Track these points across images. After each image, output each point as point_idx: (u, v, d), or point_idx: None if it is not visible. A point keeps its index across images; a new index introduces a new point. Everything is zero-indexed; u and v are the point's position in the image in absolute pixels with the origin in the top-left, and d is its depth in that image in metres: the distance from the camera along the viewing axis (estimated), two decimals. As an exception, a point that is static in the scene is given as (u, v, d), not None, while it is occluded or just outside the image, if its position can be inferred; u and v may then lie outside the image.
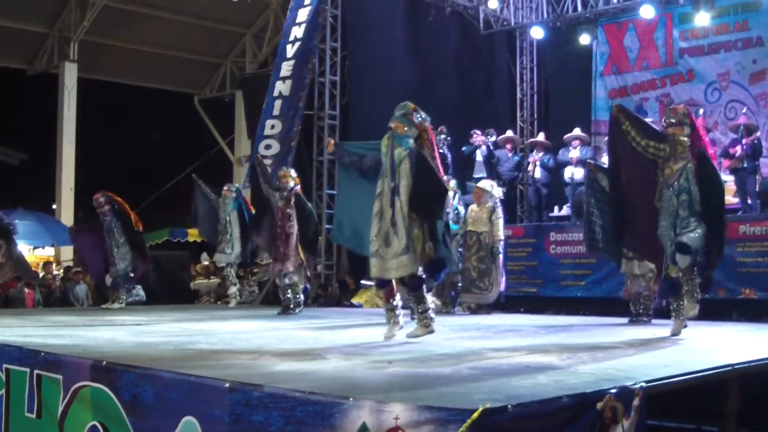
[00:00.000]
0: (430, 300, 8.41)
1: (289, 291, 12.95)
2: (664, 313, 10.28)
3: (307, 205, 13.29)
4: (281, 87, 17.35)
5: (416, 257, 7.95)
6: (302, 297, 13.24)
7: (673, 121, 8.64)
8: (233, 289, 14.71)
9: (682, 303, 8.76)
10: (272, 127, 17.17)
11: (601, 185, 11.08)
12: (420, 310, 8.19)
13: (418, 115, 8.15)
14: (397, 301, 8.29)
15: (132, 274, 14.62)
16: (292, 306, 12.89)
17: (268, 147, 17.04)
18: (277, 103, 17.29)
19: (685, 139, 8.60)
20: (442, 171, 8.31)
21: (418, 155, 8.04)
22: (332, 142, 9.43)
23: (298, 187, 13.16)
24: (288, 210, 12.82)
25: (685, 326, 8.74)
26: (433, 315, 8.26)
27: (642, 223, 8.99)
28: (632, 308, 11.21)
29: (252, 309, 14.68)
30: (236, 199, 14.89)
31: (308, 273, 13.41)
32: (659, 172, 8.73)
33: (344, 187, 9.21)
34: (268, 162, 16.68)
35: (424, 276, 8.21)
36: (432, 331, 8.14)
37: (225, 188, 14.99)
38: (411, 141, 8.12)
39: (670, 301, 9.09)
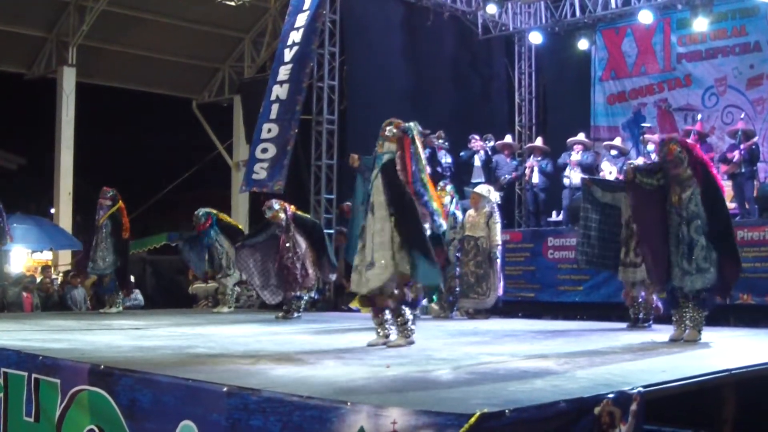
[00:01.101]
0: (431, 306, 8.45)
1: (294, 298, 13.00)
2: (663, 319, 10.29)
3: (306, 219, 13.27)
4: (278, 91, 17.31)
5: (383, 272, 8.00)
6: (302, 303, 13.24)
7: (671, 164, 8.69)
8: (225, 310, 14.59)
9: (684, 312, 8.80)
10: (269, 130, 17.12)
11: (596, 197, 11.16)
12: (399, 323, 8.24)
13: (390, 129, 8.19)
14: (387, 315, 8.31)
15: (117, 283, 14.53)
16: (291, 311, 12.90)
17: (264, 150, 16.99)
18: (274, 107, 17.25)
19: (689, 173, 8.64)
20: (410, 176, 8.15)
21: (385, 168, 8.13)
22: (356, 157, 9.42)
23: (290, 210, 13.11)
24: (289, 242, 12.76)
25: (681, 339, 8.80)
26: (413, 327, 8.30)
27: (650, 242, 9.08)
28: (631, 313, 11.21)
29: (250, 313, 14.67)
30: (212, 226, 14.71)
31: (326, 276, 13.50)
32: (668, 197, 8.80)
33: (355, 204, 9.19)
34: (264, 165, 16.68)
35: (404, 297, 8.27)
36: (412, 342, 8.17)
37: (199, 224, 14.83)
38: (385, 156, 8.18)
39: (672, 311, 9.12)
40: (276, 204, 13.07)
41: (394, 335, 8.31)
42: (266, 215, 13.12)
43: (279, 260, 12.78)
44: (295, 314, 12.86)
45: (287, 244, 12.70)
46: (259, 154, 16.97)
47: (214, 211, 14.93)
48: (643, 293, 10.93)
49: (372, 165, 8.38)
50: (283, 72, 17.36)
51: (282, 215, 12.83)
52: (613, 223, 11.01)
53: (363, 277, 8.12)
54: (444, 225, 13.29)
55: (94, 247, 14.40)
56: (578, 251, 11.43)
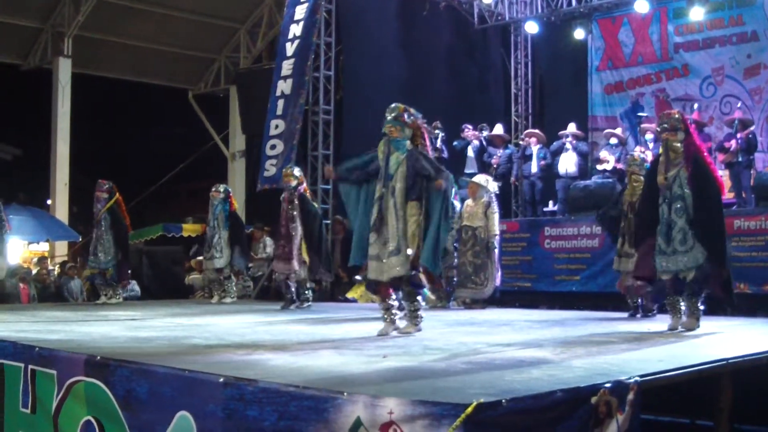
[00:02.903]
0: (427, 296, 8.52)
1: (295, 286, 13.00)
2: (663, 309, 10.29)
3: (311, 206, 13.16)
4: (283, 86, 17.35)
5: (407, 259, 8.08)
6: (310, 293, 13.26)
7: (667, 126, 8.66)
8: (228, 300, 14.54)
9: (678, 300, 8.80)
10: (276, 127, 17.19)
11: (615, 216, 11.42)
12: (411, 309, 8.35)
13: (410, 115, 8.29)
14: (393, 300, 8.33)
15: (117, 275, 14.49)
16: (301, 300, 12.94)
17: (273, 147, 17.09)
18: (280, 103, 17.30)
19: (678, 144, 8.61)
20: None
21: (413, 155, 8.20)
22: (330, 168, 9.36)
23: (303, 186, 13.13)
24: (292, 211, 12.79)
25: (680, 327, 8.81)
26: (423, 314, 8.44)
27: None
28: (630, 302, 11.22)
29: (247, 304, 14.67)
30: (224, 200, 14.68)
31: (315, 274, 13.38)
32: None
33: (351, 211, 9.12)
34: (273, 162, 16.77)
35: (420, 282, 8.36)
36: (420, 330, 8.28)
37: (213, 189, 14.78)
38: (407, 143, 8.27)
39: (665, 301, 9.13)
40: (298, 171, 13.16)
41: (401, 322, 8.35)
42: (282, 172, 13.39)
43: (284, 232, 12.83)
44: (305, 304, 12.92)
45: (291, 212, 12.74)
46: (268, 151, 17.13)
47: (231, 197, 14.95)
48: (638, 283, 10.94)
49: (388, 150, 8.28)
50: (286, 67, 17.42)
51: (293, 181, 12.87)
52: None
53: (385, 265, 8.13)
54: (457, 207, 13.49)
55: (94, 240, 14.38)
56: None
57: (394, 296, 8.32)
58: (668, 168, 8.62)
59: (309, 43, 17.25)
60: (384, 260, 8.13)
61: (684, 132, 8.63)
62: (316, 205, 13.68)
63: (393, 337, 7.96)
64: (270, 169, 16.89)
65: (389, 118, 8.26)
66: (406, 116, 8.25)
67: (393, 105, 8.37)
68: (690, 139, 8.65)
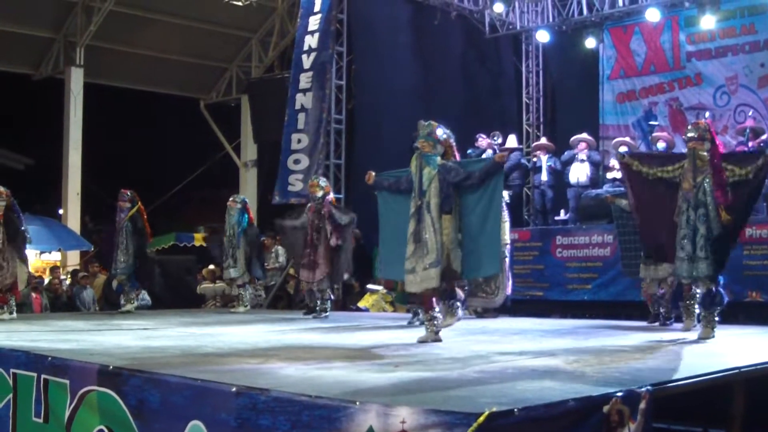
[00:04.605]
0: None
1: (318, 296, 13.02)
2: (679, 318, 10.27)
3: (338, 218, 12.97)
4: (302, 100, 17.33)
5: (443, 272, 8.37)
6: (329, 303, 13.25)
7: (695, 135, 8.85)
8: (241, 309, 14.55)
9: (692, 304, 8.88)
10: (299, 141, 17.19)
11: (623, 208, 11.28)
12: (447, 305, 8.64)
13: (442, 133, 8.68)
14: (437, 312, 8.58)
15: (133, 283, 14.55)
16: (318, 310, 12.94)
17: (297, 162, 17.11)
18: (301, 117, 17.28)
19: (705, 153, 8.75)
20: None
21: (445, 170, 8.50)
22: (372, 174, 9.48)
23: (330, 197, 13.12)
24: (317, 221, 12.77)
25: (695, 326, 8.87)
26: (459, 304, 8.75)
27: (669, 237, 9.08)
28: (651, 309, 11.19)
29: (259, 313, 14.67)
30: (241, 210, 14.66)
31: (336, 283, 13.40)
32: (680, 189, 8.86)
33: (384, 221, 9.30)
34: (299, 177, 16.78)
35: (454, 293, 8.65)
36: (459, 319, 8.76)
37: (230, 199, 14.79)
38: (438, 159, 8.59)
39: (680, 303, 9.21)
40: (324, 181, 13.24)
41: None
42: (307, 182, 13.57)
43: (309, 241, 12.82)
44: (323, 314, 12.90)
45: (317, 222, 12.72)
46: (291, 165, 17.15)
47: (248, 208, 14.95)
48: (662, 290, 10.90)
49: (420, 165, 8.57)
50: (304, 80, 17.41)
51: (319, 192, 12.86)
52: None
53: (421, 276, 8.40)
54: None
55: (116, 250, 14.44)
56: (624, 265, 11.56)
57: (437, 308, 8.58)
58: (695, 175, 8.72)
59: (327, 56, 17.25)
60: (419, 272, 8.39)
61: (710, 142, 8.77)
62: (345, 218, 13.55)
63: (405, 346, 7.97)
64: (295, 183, 16.95)
65: (422, 134, 8.61)
66: (438, 133, 8.63)
67: (426, 122, 8.77)
68: (715, 149, 8.78)
